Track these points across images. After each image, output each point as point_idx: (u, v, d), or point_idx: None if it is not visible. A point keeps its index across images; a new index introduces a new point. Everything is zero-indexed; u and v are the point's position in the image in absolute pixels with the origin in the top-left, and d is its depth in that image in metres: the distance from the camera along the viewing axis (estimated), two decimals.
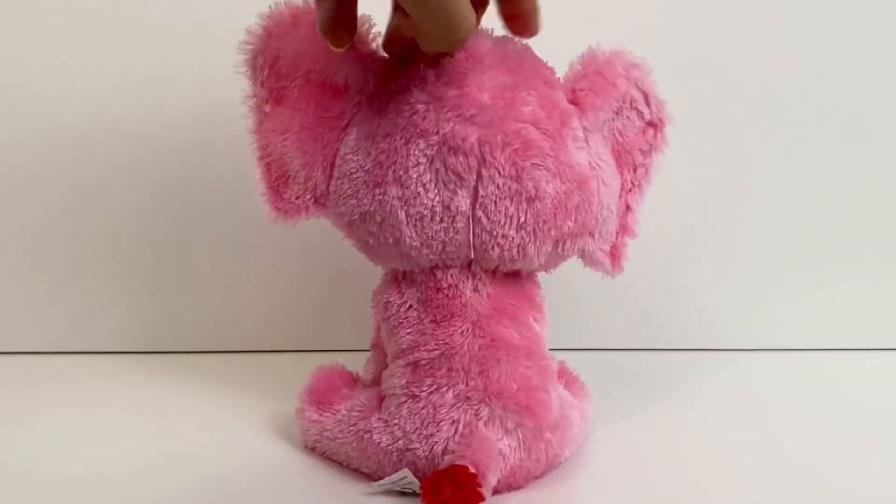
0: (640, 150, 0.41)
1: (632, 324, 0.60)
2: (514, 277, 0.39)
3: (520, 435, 0.36)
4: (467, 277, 0.37)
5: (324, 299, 0.60)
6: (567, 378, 0.43)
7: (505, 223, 0.35)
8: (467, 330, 0.37)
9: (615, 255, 0.41)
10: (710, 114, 0.57)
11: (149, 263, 0.59)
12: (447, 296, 0.37)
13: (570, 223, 0.37)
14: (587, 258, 0.40)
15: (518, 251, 0.36)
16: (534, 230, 0.36)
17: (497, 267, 0.37)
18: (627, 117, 0.40)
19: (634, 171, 0.41)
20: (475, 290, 0.37)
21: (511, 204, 0.35)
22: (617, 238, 0.41)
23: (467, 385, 0.36)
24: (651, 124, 0.41)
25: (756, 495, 0.37)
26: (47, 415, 0.48)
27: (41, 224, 0.59)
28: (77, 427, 0.46)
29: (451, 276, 0.37)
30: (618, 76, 0.39)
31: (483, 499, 0.33)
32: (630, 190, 0.41)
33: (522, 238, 0.36)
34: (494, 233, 0.36)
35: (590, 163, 0.37)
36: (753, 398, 0.50)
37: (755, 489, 0.38)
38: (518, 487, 0.37)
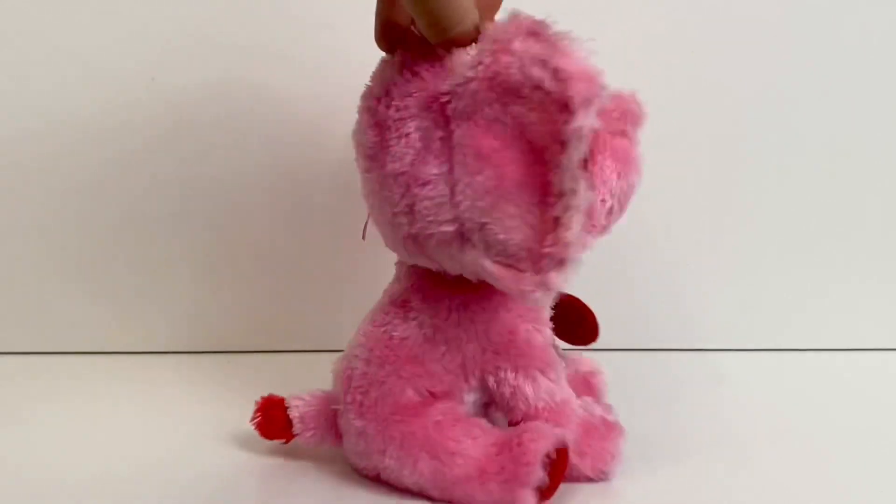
0: (557, 141, 0.30)
1: (632, 324, 0.60)
2: (424, 272, 0.38)
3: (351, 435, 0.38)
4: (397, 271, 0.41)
5: (326, 299, 0.60)
6: (505, 439, 0.36)
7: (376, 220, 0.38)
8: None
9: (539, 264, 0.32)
10: (708, 113, 0.57)
11: (148, 264, 0.59)
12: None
13: (400, 221, 0.35)
14: (478, 273, 0.34)
15: (386, 243, 0.38)
16: (382, 228, 0.37)
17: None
18: (523, 103, 0.30)
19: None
20: (397, 280, 0.40)
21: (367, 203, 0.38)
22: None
23: None
24: (561, 106, 0.29)
25: (755, 496, 0.37)
26: (45, 415, 0.48)
27: (40, 224, 0.59)
28: (75, 427, 0.46)
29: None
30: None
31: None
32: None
33: (382, 232, 0.37)
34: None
35: (429, 166, 0.33)
36: (753, 398, 0.50)
37: (755, 489, 0.38)
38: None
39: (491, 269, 0.32)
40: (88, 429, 0.45)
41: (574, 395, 0.39)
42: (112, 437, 0.44)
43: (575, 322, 0.42)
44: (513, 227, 0.31)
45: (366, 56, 0.36)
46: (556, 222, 0.30)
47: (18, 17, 0.56)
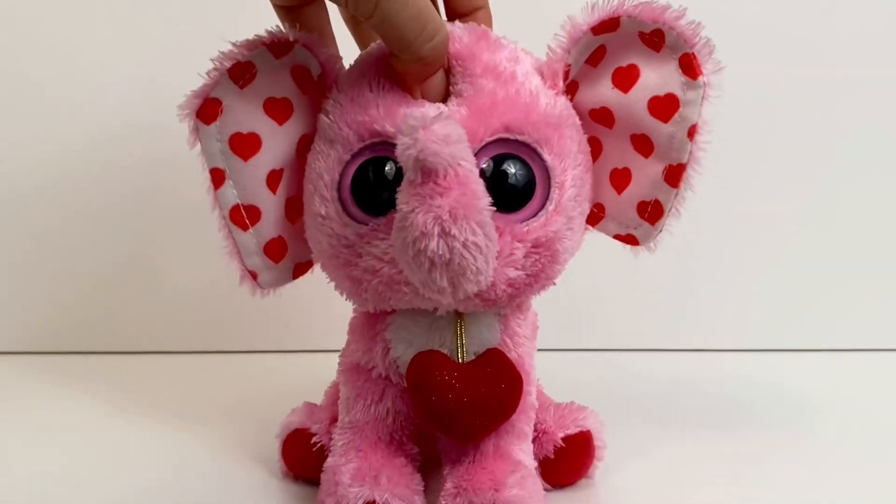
0: None
1: (632, 324, 0.60)
2: None
3: None
4: None
5: (327, 300, 0.60)
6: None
7: None
8: None
9: None
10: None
11: (146, 263, 0.59)
12: None
13: None
14: None
15: None
16: None
17: None
18: None
19: None
20: None
21: None
22: None
23: None
24: None
25: (755, 496, 0.37)
26: (43, 415, 0.48)
27: (37, 223, 0.59)
28: (72, 427, 0.46)
29: None
30: None
31: None
32: None
33: None
34: None
35: None
36: (753, 398, 0.50)
37: (754, 490, 0.38)
38: None
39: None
40: (87, 429, 0.46)
41: None
42: (111, 437, 0.44)
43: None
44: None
45: None
46: None
47: (16, 18, 0.56)
